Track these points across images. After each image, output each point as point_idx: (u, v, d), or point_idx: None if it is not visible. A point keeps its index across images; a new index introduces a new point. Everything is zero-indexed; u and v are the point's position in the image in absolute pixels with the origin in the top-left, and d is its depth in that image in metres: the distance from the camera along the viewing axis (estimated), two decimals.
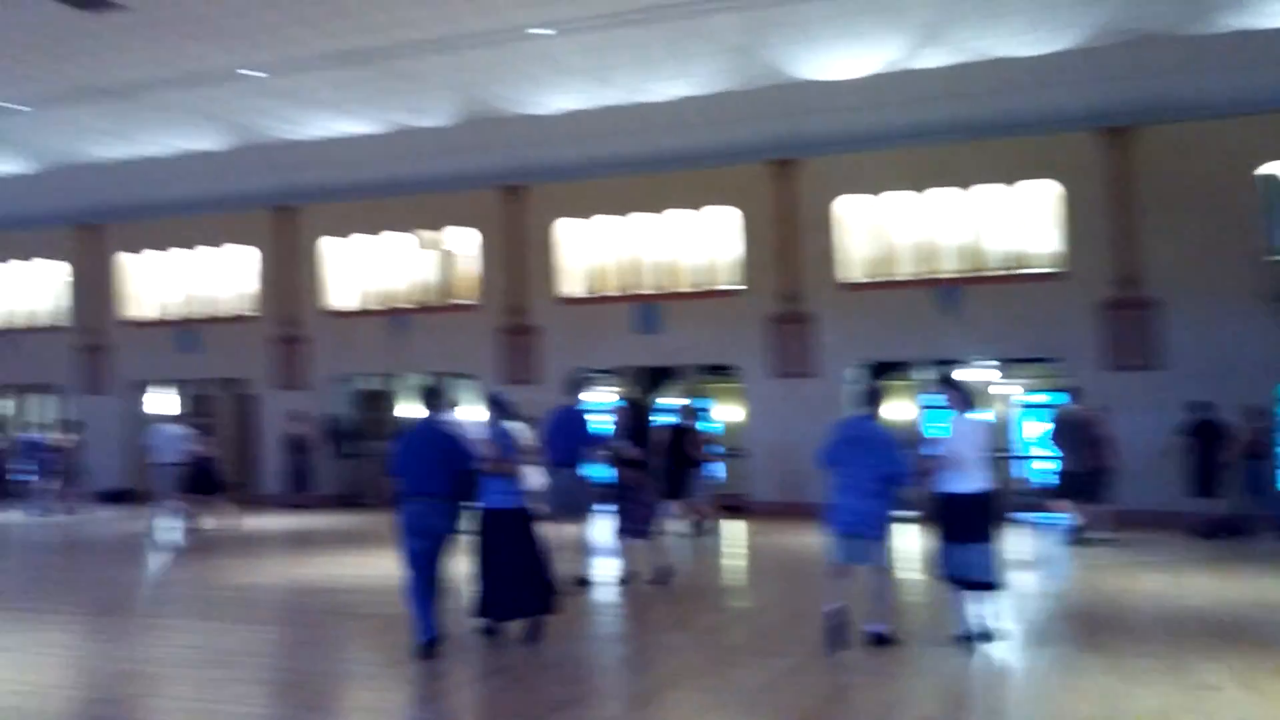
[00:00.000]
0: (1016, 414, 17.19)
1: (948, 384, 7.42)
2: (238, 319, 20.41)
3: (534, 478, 13.54)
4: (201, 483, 15.08)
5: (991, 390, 16.85)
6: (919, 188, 16.36)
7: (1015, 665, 6.50)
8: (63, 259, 21.70)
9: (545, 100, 16.99)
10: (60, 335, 21.64)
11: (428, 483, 6.90)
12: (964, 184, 16.17)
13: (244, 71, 15.96)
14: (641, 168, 17.78)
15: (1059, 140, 15.52)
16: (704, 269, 17.61)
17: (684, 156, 17.52)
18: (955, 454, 6.91)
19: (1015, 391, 17.36)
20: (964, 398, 7.16)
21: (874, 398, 7.52)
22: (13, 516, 17.14)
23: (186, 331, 20.66)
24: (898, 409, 15.95)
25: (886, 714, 5.41)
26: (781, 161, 16.84)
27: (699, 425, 14.10)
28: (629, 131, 17.47)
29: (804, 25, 14.44)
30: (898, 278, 16.61)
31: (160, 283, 21.21)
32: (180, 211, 20.77)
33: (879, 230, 16.78)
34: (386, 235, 19.38)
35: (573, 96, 16.82)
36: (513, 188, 18.38)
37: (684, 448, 13.37)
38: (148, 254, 21.13)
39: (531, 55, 15.40)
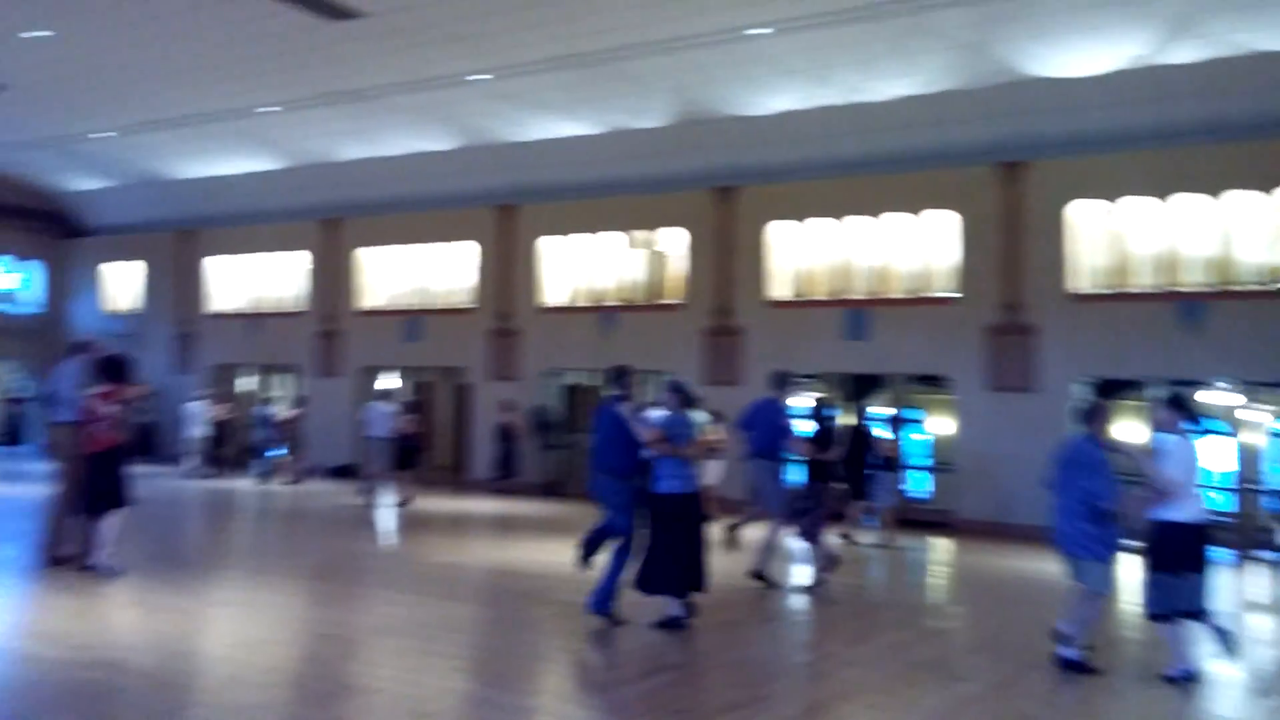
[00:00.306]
0: (1268, 442, 15.59)
1: (1170, 404, 6.81)
2: (458, 311, 21.34)
3: (714, 467, 13.56)
4: (402, 458, 15.92)
5: (1238, 415, 15.34)
6: (1162, 193, 15.09)
7: (1225, 713, 5.79)
8: (305, 250, 23.35)
9: (762, 101, 16.85)
10: (300, 320, 23.32)
11: (602, 459, 7.51)
12: (1213, 190, 14.79)
13: (473, 77, 16.69)
14: (858, 169, 17.32)
15: None
16: (918, 275, 16.93)
17: (903, 158, 16.94)
18: (1170, 479, 6.42)
19: (1266, 418, 15.74)
20: (1186, 420, 6.67)
21: (1092, 416, 6.99)
22: (242, 484, 18.59)
23: (411, 321, 21.82)
24: (1129, 430, 14.80)
25: None
26: (1009, 164, 15.95)
27: (880, 431, 13.87)
28: (846, 132, 17.08)
29: (1039, 19, 13.68)
30: (1133, 289, 15.40)
31: (390, 274, 22.48)
32: (410, 208, 21.96)
33: (1114, 238, 15.60)
34: (600, 234, 19.74)
35: (790, 97, 16.61)
36: (724, 189, 18.31)
37: (864, 453, 13.34)
38: (380, 247, 22.42)
39: (750, 56, 15.33)
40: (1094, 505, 6.58)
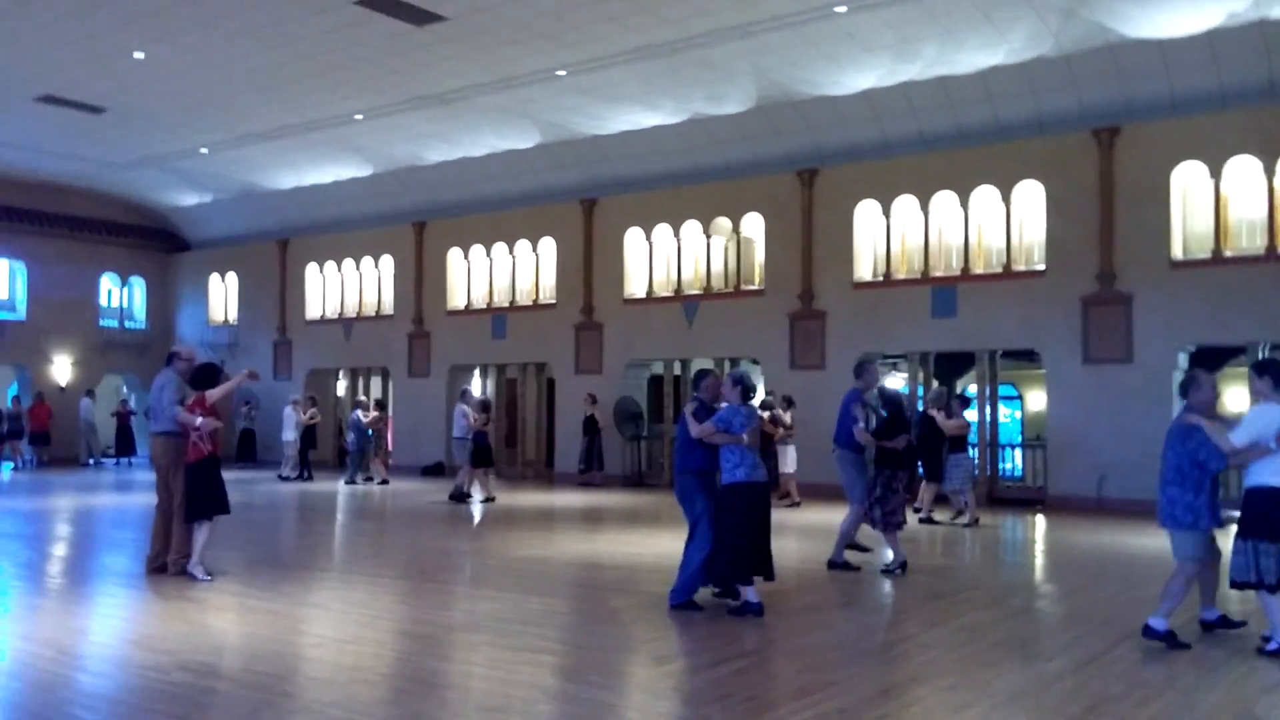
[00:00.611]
0: None
1: (1262, 368, 6.47)
2: (541, 306, 21.56)
3: (791, 453, 13.43)
4: (477, 455, 16.03)
5: None
6: (1266, 153, 14.38)
7: None
8: (394, 254, 23.87)
9: (844, 80, 16.64)
10: (390, 323, 23.85)
11: (679, 459, 7.84)
12: None
13: (557, 72, 16.79)
14: (944, 144, 16.97)
15: None
16: (1006, 249, 16.46)
17: (992, 130, 16.57)
18: (1260, 444, 6.22)
19: None
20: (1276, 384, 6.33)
21: (1187, 387, 6.78)
22: (335, 486, 19.08)
23: (497, 318, 22.13)
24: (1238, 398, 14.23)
25: None
26: (1102, 129, 15.40)
27: (951, 410, 13.67)
28: (931, 107, 16.79)
29: None
30: (1233, 254, 14.75)
31: (476, 273, 22.82)
32: (494, 207, 22.27)
33: (1215, 202, 14.93)
34: (682, 223, 19.70)
35: (872, 74, 16.37)
36: (806, 171, 18.09)
37: (935, 433, 13.35)
38: (466, 247, 22.78)
39: (830, 34, 15.12)
40: (1181, 470, 6.51)
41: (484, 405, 16.59)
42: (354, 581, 8.79)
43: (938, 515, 13.60)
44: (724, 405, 7.62)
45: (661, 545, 10.73)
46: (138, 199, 27.13)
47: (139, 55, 16.66)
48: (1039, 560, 11.30)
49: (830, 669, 5.83)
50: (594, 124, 19.32)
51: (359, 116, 19.65)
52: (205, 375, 8.99)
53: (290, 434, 20.30)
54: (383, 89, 18.15)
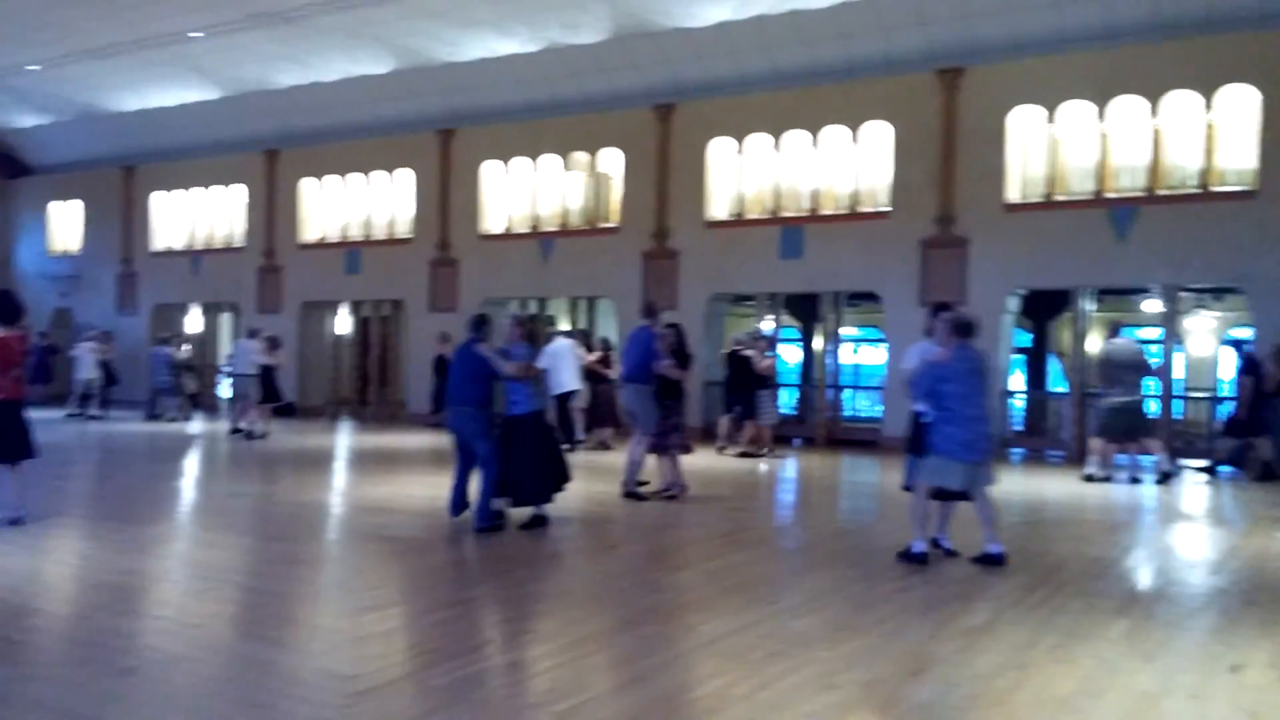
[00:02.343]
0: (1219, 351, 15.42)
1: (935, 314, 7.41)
2: (397, 241, 20.88)
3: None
4: (265, 392, 16.32)
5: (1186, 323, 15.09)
6: (1101, 98, 14.53)
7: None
8: (246, 183, 22.81)
9: (698, 11, 16.21)
10: (240, 256, 22.86)
11: (462, 393, 8.29)
12: (1153, 93, 14.24)
13: None
14: (796, 82, 16.73)
15: (1272, 38, 13.43)
16: (854, 191, 16.40)
17: (843, 68, 16.39)
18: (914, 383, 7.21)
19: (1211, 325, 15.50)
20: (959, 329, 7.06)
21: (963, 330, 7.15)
22: (137, 425, 18.32)
23: (351, 253, 21.37)
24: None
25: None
26: (947, 70, 15.36)
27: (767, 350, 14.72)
28: (783, 43, 16.51)
29: None
30: (1065, 198, 14.94)
31: (330, 206, 21.96)
32: (349, 136, 21.37)
33: (1051, 146, 15.06)
34: (540, 157, 19.18)
35: (726, 6, 15.95)
36: (663, 106, 17.72)
37: (749, 371, 14.03)
38: (320, 178, 21.88)
39: None
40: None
41: (272, 342, 16.72)
42: (77, 528, 8.20)
43: (747, 449, 14.17)
44: (516, 345, 8.33)
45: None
46: None
47: None
48: (835, 500, 11.45)
49: (536, 618, 5.65)
50: (449, 50, 18.57)
51: (197, 34, 18.53)
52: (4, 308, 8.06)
53: (84, 372, 19.42)
54: (218, 4, 17.11)
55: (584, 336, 16.65)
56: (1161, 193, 14.26)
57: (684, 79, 17.63)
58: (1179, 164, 14.31)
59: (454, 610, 5.85)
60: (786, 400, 20.64)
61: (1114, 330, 12.25)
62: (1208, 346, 20.66)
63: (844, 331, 19.00)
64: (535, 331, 8.71)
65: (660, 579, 6.70)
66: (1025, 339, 19.63)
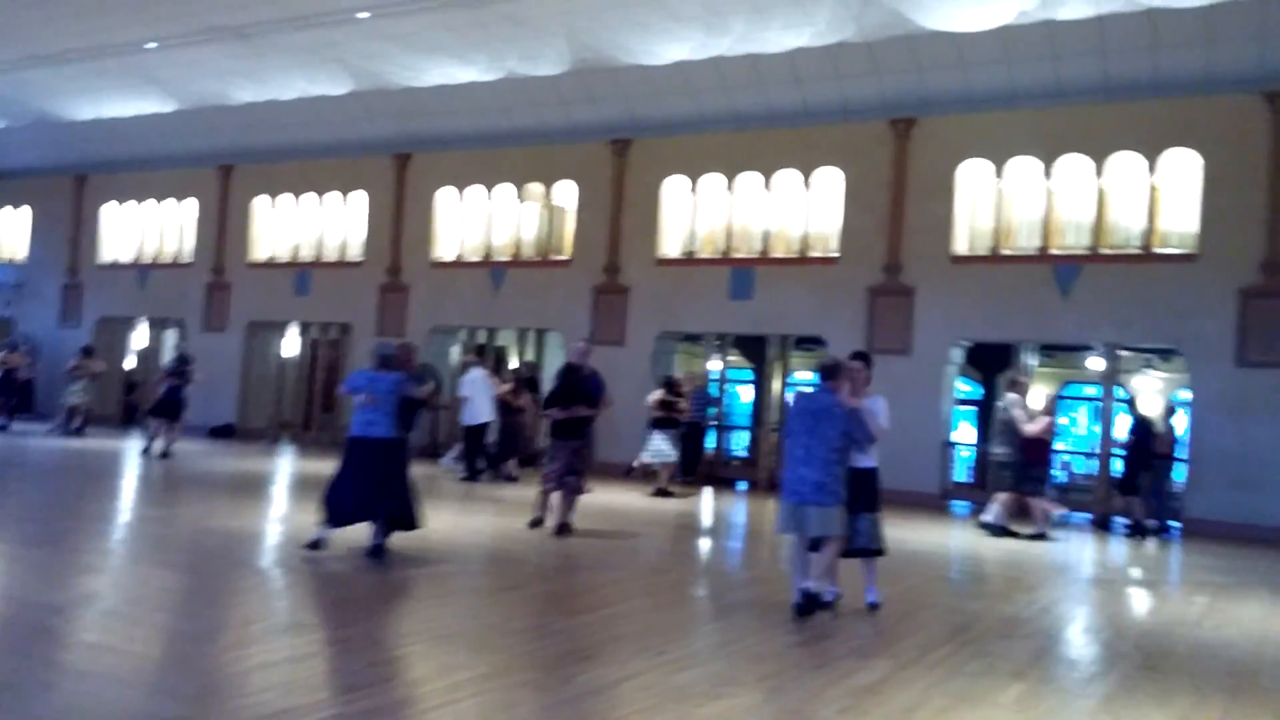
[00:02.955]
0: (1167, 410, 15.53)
1: (825, 372, 7.19)
2: (347, 264, 20.62)
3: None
4: (168, 407, 16.09)
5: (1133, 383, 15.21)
6: (1048, 155, 14.65)
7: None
8: (198, 198, 22.48)
9: (657, 50, 16.24)
10: (189, 271, 22.47)
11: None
12: (1099, 153, 14.39)
13: (358, 14, 15.89)
14: (751, 124, 16.75)
15: (1215, 104, 13.53)
16: (805, 235, 16.40)
17: (797, 113, 16.41)
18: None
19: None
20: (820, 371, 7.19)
21: (830, 374, 7.13)
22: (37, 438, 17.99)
23: (301, 274, 21.07)
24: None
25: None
26: (898, 120, 15.43)
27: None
28: (740, 85, 16.53)
29: None
30: (1010, 252, 15.00)
31: (282, 225, 21.68)
32: (304, 155, 21.14)
33: (998, 200, 15.15)
34: (495, 185, 19.06)
35: (684, 45, 16.01)
36: (619, 141, 17.68)
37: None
38: (273, 196, 21.61)
39: (639, 0, 14.64)
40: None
41: (181, 359, 16.85)
42: None
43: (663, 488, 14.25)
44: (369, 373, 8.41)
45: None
46: None
47: None
48: (757, 547, 11.28)
49: (409, 661, 5.39)
50: (407, 74, 18.46)
51: (152, 45, 18.31)
52: None
53: None
54: (174, 15, 16.91)
55: (496, 366, 16.66)
56: (1105, 251, 14.35)
57: (641, 116, 17.61)
58: (1122, 224, 14.43)
59: (332, 647, 5.61)
60: (738, 443, 20.57)
61: (1011, 386, 12.33)
62: (1155, 407, 20.79)
63: (796, 374, 18.95)
64: (406, 360, 8.59)
65: (553, 623, 6.46)
66: (977, 390, 19.66)
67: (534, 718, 4.62)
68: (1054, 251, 14.66)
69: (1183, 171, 13.87)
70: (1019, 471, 11.84)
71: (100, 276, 23.80)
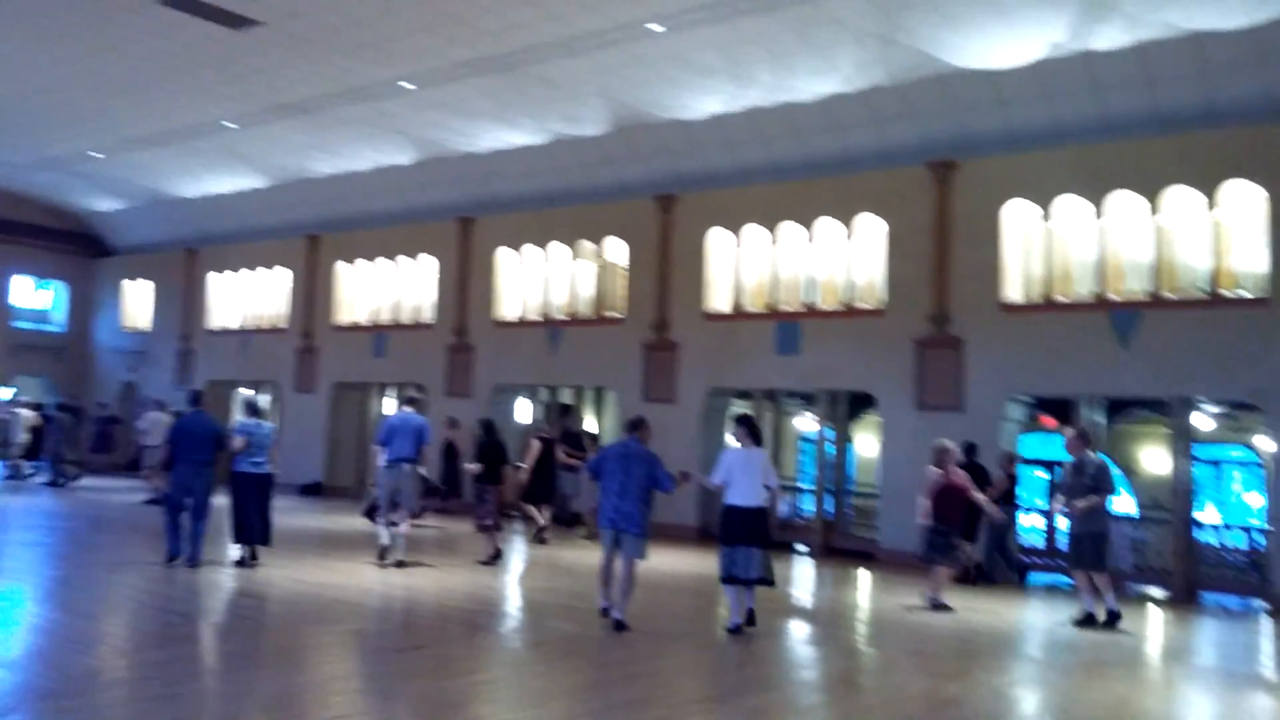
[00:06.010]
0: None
1: (741, 422, 8.83)
2: (419, 326, 21.07)
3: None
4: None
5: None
6: (1097, 192, 13.53)
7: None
8: (291, 266, 23.51)
9: (691, 104, 16.03)
10: (283, 336, 23.47)
11: (193, 454, 10.77)
12: (1151, 189, 13.19)
13: (401, 84, 16.33)
14: (791, 174, 16.23)
15: (1276, 132, 12.17)
16: (849, 285, 15.68)
17: (836, 161, 15.85)
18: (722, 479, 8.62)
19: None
20: (749, 437, 8.67)
21: (637, 425, 8.80)
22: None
23: (378, 336, 21.67)
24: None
25: None
26: (938, 163, 14.62)
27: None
28: (776, 135, 16.12)
29: (943, 6, 12.27)
30: (1064, 299, 13.89)
31: (361, 290, 22.38)
32: (380, 223, 21.84)
33: (1047, 243, 14.09)
34: (550, 245, 19.14)
35: (716, 98, 15.73)
36: (664, 196, 17.45)
37: (552, 457, 15.55)
38: (352, 262, 22.36)
39: (659, 55, 14.56)
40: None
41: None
42: None
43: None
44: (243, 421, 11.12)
45: (367, 577, 10.67)
46: (56, 201, 26.99)
47: None
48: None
49: None
50: (463, 140, 18.82)
51: (231, 124, 19.32)
52: None
53: (22, 435, 21.11)
54: (241, 96, 17.80)
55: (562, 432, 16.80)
56: (1167, 296, 13.08)
57: (684, 170, 17.34)
58: (1185, 264, 13.14)
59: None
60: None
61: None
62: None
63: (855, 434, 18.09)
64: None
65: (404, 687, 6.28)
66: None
67: None
68: (1111, 297, 13.47)
69: (1244, 206, 12.51)
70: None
71: (210, 341, 25.17)
